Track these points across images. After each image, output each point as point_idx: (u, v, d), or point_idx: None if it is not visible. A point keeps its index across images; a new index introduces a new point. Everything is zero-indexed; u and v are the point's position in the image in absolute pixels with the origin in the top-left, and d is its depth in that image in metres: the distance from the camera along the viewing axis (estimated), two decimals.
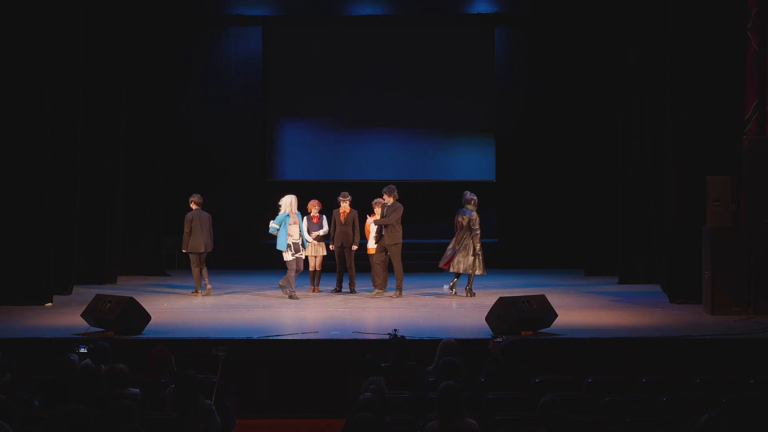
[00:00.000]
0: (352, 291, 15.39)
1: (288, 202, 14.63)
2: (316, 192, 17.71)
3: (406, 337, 9.69)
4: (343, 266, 15.45)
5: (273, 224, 14.53)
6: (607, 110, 17.35)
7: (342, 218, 15.25)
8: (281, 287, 14.88)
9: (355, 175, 19.62)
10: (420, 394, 8.36)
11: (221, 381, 8.74)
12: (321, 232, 15.29)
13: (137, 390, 8.10)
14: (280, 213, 14.57)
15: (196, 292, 15.11)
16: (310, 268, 15.45)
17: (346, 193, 15.41)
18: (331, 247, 15.42)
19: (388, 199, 15.00)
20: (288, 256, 14.56)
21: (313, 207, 15.38)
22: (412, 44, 19.86)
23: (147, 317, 11.72)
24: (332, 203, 15.67)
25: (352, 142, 20.07)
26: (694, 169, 13.78)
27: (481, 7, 19.43)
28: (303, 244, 14.78)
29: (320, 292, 15.41)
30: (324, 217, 15.43)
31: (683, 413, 7.43)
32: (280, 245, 14.54)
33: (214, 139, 19.54)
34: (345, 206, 15.28)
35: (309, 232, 15.13)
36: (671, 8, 14.21)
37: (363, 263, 15.87)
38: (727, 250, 12.92)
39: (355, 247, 15.28)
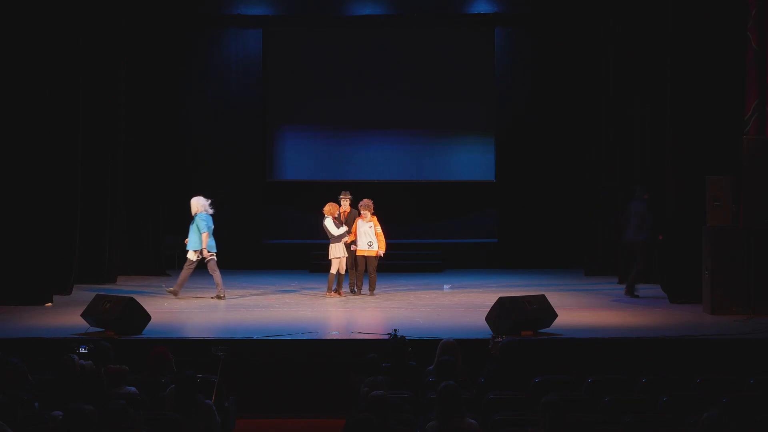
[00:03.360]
0: (352, 291, 15.36)
1: (195, 203, 14.76)
2: (316, 192, 17.75)
3: (406, 337, 9.69)
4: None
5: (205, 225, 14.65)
6: (607, 110, 17.35)
7: (342, 218, 15.23)
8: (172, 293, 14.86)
9: (355, 175, 19.62)
10: (420, 394, 8.36)
11: (221, 381, 8.75)
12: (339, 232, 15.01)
13: (134, 389, 8.10)
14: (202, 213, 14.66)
15: None
16: (332, 270, 15.00)
17: (347, 192, 15.39)
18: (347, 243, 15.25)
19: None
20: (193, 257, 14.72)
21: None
22: (412, 44, 19.86)
23: (147, 317, 11.72)
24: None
25: (353, 142, 20.07)
26: (694, 169, 13.77)
27: (481, 7, 19.43)
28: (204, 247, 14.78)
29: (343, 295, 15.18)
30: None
31: (683, 413, 7.43)
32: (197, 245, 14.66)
33: (214, 139, 19.54)
34: (345, 205, 15.25)
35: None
36: (671, 8, 14.22)
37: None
38: (727, 250, 12.92)
39: (354, 248, 15.23)
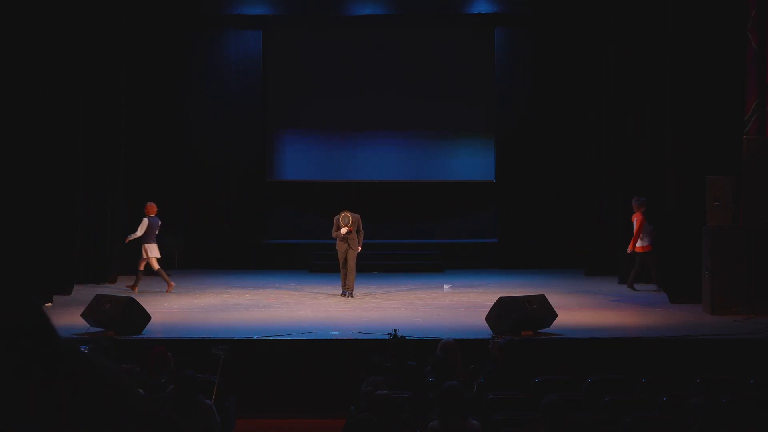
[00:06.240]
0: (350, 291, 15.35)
1: None
2: (316, 192, 17.75)
3: (406, 337, 9.69)
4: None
5: None
6: (607, 110, 17.35)
7: (352, 225, 15.04)
8: None
9: (355, 175, 19.64)
10: (420, 394, 8.36)
11: (221, 381, 8.75)
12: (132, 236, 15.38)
13: (141, 392, 8.08)
14: None
15: None
16: (158, 266, 15.30)
17: (347, 214, 14.92)
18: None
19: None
20: None
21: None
22: (412, 44, 19.85)
23: (147, 317, 11.71)
24: (333, 203, 15.64)
25: (353, 142, 20.06)
26: (694, 169, 13.78)
27: (481, 7, 19.42)
28: None
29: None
30: (145, 221, 15.38)
31: (683, 413, 7.43)
32: None
33: (214, 139, 19.53)
34: (348, 222, 14.85)
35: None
36: (671, 8, 14.22)
37: (363, 263, 15.91)
38: (727, 250, 12.92)
39: (359, 249, 15.19)
